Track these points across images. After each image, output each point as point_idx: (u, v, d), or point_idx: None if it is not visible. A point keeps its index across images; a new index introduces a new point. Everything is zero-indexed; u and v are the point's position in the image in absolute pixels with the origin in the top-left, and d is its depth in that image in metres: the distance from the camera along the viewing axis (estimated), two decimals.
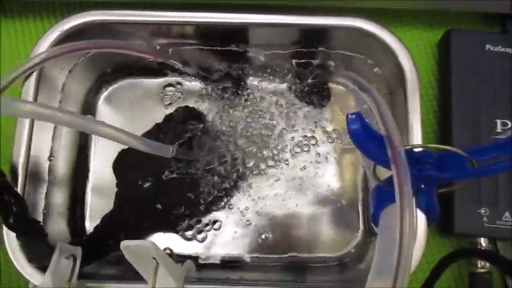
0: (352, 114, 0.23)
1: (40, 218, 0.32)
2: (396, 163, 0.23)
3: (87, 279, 0.29)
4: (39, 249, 0.29)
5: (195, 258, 0.35)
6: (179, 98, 0.39)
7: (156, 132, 0.38)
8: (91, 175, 0.37)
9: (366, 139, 0.24)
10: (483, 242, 0.34)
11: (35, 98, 0.32)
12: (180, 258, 0.29)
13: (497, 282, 0.34)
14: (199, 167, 0.37)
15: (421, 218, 0.29)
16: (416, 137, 0.31)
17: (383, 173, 0.27)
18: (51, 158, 0.34)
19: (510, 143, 0.24)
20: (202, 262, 0.35)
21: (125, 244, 0.23)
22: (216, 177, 0.37)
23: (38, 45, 0.33)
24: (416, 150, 0.27)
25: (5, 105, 0.24)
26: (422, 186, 0.26)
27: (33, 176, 0.32)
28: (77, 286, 0.28)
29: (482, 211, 0.34)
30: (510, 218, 0.34)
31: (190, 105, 0.39)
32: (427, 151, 0.27)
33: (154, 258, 0.25)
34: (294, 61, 0.38)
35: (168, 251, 0.27)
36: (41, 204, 0.33)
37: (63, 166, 0.35)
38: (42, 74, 0.33)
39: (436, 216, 0.29)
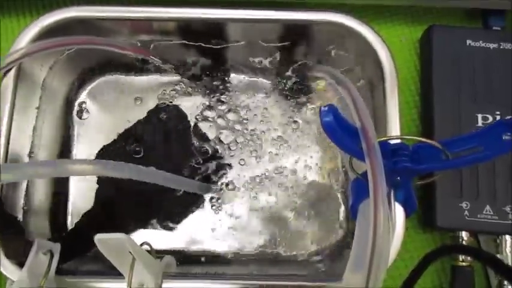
0: (325, 107, 0.23)
1: (20, 214, 0.32)
2: (370, 155, 0.23)
3: (67, 275, 0.29)
4: (16, 245, 0.29)
5: (175, 254, 0.35)
6: (161, 94, 0.39)
7: (137, 130, 0.38)
8: None
9: (339, 132, 0.24)
10: (465, 235, 0.34)
11: (14, 95, 0.32)
12: (160, 254, 0.29)
13: (479, 274, 0.35)
14: (179, 163, 0.37)
15: (399, 211, 0.30)
16: (395, 131, 0.31)
17: (363, 166, 0.27)
18: (31, 155, 0.34)
19: (484, 134, 0.24)
20: (183, 258, 0.35)
21: (98, 237, 0.23)
22: (196, 174, 0.37)
23: (17, 42, 0.33)
24: (392, 142, 0.27)
25: None
26: (398, 178, 0.27)
27: None
28: (54, 282, 0.28)
29: (464, 205, 0.34)
30: (491, 212, 0.34)
31: (172, 102, 0.39)
32: (403, 144, 0.27)
33: (130, 253, 0.25)
34: (274, 56, 0.38)
35: (147, 246, 0.27)
36: (21, 200, 0.32)
37: None
38: (21, 71, 0.33)
39: (414, 208, 0.30)
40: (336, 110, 0.23)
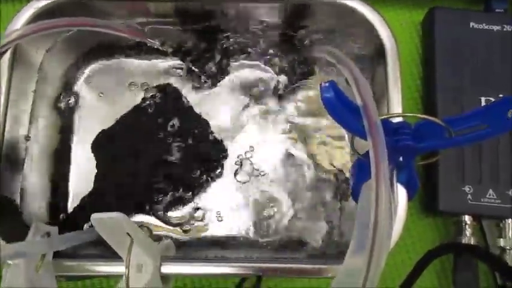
0: (325, 82, 0.23)
1: (17, 197, 0.32)
2: (372, 132, 0.22)
3: (65, 258, 0.29)
4: (14, 228, 0.29)
5: (174, 238, 0.34)
6: (158, 78, 0.38)
7: (134, 114, 0.37)
8: (73, 156, 0.37)
9: (340, 108, 0.23)
10: (468, 219, 0.34)
11: (10, 78, 0.32)
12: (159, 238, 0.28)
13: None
14: (178, 148, 0.36)
15: (401, 193, 0.29)
16: (397, 110, 0.31)
17: (365, 148, 0.26)
18: (28, 138, 0.33)
19: (487, 111, 0.24)
20: (182, 241, 0.34)
21: (95, 216, 0.23)
22: (195, 159, 0.36)
23: (12, 24, 0.32)
24: (394, 121, 0.26)
25: None
26: (401, 158, 0.26)
27: (9, 155, 0.31)
28: (51, 265, 0.28)
29: (467, 189, 0.34)
30: (494, 196, 0.34)
31: (171, 85, 0.38)
32: (405, 122, 0.26)
33: (128, 235, 0.25)
34: (275, 38, 0.37)
35: (146, 229, 0.27)
36: (18, 183, 0.32)
37: (41, 147, 0.35)
38: (17, 54, 0.32)
39: (416, 190, 0.29)
40: (336, 86, 0.23)
